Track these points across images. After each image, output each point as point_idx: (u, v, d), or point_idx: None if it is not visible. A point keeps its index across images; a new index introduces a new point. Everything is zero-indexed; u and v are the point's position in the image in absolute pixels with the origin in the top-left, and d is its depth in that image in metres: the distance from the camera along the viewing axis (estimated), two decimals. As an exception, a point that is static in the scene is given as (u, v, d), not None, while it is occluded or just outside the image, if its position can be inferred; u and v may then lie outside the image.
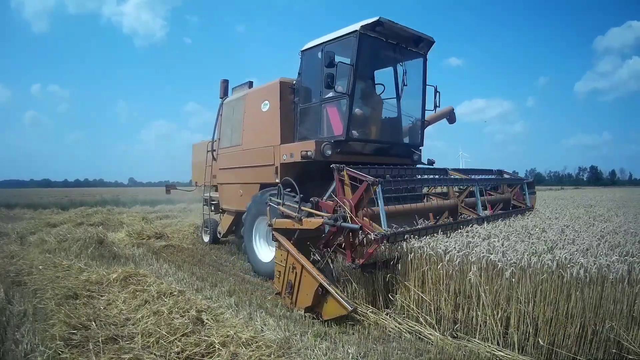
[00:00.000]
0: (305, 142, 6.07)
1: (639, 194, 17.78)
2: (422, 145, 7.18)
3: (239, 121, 7.75)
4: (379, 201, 4.36)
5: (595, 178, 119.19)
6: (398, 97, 6.94)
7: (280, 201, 5.19)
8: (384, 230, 4.13)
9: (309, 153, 5.81)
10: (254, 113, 7.32)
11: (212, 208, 9.32)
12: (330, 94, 6.07)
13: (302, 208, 4.78)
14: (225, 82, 8.73)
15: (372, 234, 4.02)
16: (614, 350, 3.08)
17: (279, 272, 4.76)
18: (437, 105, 7.02)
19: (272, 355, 3.07)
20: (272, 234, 4.96)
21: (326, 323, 4.13)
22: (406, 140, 7.14)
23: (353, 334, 3.75)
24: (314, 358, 2.99)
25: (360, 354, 3.10)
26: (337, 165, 4.64)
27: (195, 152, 10.76)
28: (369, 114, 6.53)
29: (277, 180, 6.34)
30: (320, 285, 4.11)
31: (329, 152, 5.85)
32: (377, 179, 4.29)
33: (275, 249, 4.88)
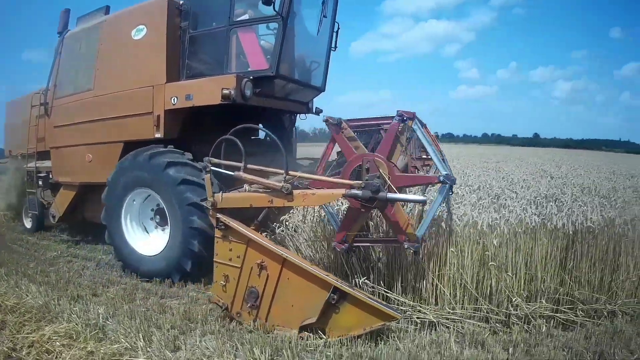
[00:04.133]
0: (221, 78, 4.48)
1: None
2: (324, 91, 5.99)
3: (90, 58, 5.57)
4: (423, 141, 3.27)
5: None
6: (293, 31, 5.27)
7: (241, 164, 3.30)
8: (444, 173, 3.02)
9: (232, 92, 4.29)
10: (117, 44, 5.36)
11: (40, 183, 6.85)
12: (244, 16, 4.76)
13: (292, 173, 3.21)
14: (67, 12, 6.37)
15: (441, 175, 2.92)
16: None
17: (227, 275, 3.23)
18: (336, 46, 5.90)
19: (33, 319, 3.27)
20: (217, 219, 3.23)
21: (80, 286, 4.16)
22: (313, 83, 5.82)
23: (102, 295, 4.03)
24: (68, 320, 3.23)
25: (109, 313, 3.43)
26: (334, 118, 3.33)
27: (9, 113, 8.31)
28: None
29: (159, 135, 4.76)
30: (335, 290, 2.82)
31: (249, 92, 4.46)
32: (410, 113, 3.13)
33: (217, 240, 3.28)
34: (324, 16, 5.47)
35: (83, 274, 4.80)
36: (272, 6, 4.32)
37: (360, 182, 2.93)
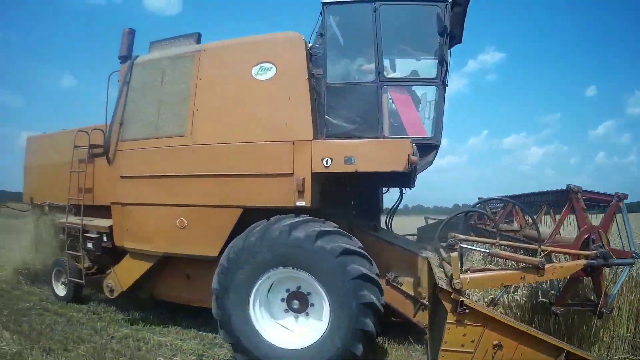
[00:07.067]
0: (396, 142, 4.01)
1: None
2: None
3: (183, 94, 4.61)
4: (625, 218, 3.80)
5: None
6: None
7: (496, 240, 3.32)
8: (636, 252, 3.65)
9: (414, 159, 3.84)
10: (227, 82, 4.49)
11: (90, 245, 5.39)
12: (395, 74, 4.41)
13: (545, 247, 3.41)
14: (132, 34, 5.27)
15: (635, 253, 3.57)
16: None
17: None
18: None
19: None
20: (461, 302, 2.94)
21: (51, 339, 4.36)
22: None
23: (73, 351, 4.19)
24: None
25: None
26: (574, 185, 3.84)
27: (32, 151, 6.85)
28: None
29: (302, 204, 3.96)
30: (567, 354, 2.94)
31: (415, 159, 3.94)
32: (623, 193, 3.80)
33: (449, 327, 2.97)
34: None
35: (54, 328, 4.94)
36: (443, 34, 4.04)
37: (593, 252, 3.42)
